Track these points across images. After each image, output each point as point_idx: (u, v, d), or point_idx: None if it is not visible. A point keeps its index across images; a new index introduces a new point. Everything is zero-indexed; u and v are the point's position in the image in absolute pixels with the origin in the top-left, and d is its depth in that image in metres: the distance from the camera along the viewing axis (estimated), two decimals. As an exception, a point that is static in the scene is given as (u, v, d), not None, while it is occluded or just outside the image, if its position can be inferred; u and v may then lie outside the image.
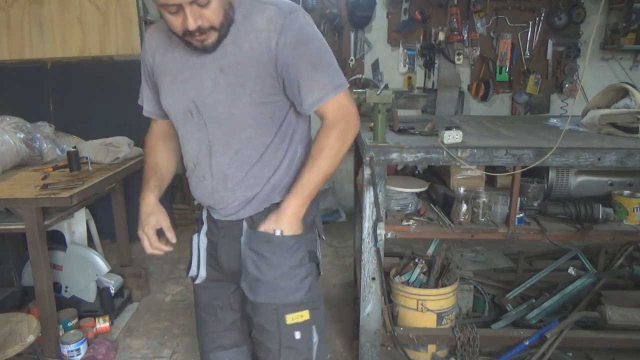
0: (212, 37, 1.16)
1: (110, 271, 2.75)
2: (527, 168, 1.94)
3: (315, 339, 1.35)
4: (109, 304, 2.70)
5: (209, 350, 1.50)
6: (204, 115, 1.26)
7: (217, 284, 1.44)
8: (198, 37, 1.14)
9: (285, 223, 1.27)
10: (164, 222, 1.35)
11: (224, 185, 1.29)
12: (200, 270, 1.43)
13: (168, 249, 1.37)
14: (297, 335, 1.31)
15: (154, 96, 1.40)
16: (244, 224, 1.33)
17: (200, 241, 1.43)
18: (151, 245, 1.35)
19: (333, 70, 1.23)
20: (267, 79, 1.21)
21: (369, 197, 1.98)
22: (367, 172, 1.97)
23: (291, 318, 1.30)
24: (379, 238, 2.01)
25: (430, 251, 2.57)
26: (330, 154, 1.25)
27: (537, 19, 4.09)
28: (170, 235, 1.36)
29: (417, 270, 2.34)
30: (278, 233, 1.27)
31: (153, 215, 1.35)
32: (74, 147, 2.68)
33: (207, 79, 1.23)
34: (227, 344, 1.49)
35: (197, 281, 1.45)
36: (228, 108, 1.23)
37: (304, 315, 1.31)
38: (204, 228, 1.43)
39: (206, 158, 1.29)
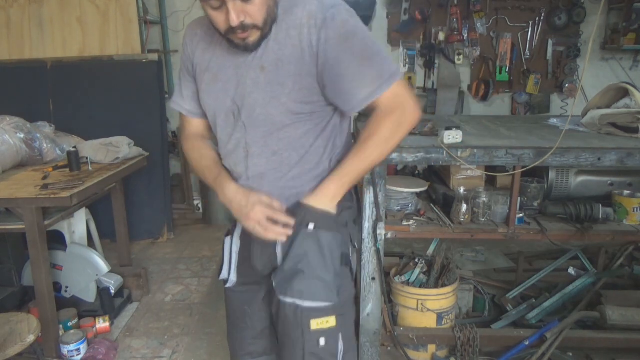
0: (254, 36, 1.13)
1: (110, 271, 2.75)
2: (527, 168, 1.94)
3: (341, 346, 1.28)
4: (109, 304, 2.70)
5: (239, 356, 1.48)
6: (243, 116, 1.22)
7: (248, 289, 1.40)
8: (240, 34, 1.11)
9: (318, 203, 1.22)
10: (267, 199, 1.23)
11: (259, 183, 1.26)
12: (231, 274, 1.39)
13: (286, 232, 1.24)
14: (322, 342, 1.24)
15: (194, 94, 1.35)
16: None
17: (234, 243, 1.39)
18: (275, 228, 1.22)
19: (383, 60, 1.16)
20: (307, 79, 1.16)
21: (369, 197, 1.98)
22: (367, 172, 1.97)
23: (316, 323, 1.23)
24: (379, 238, 2.01)
25: (430, 251, 2.56)
26: (380, 143, 1.18)
27: (537, 19, 4.09)
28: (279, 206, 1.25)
29: (417, 270, 2.34)
30: (311, 227, 1.22)
31: (253, 194, 1.23)
32: (74, 147, 2.67)
33: (248, 78, 1.19)
34: (257, 351, 1.46)
35: (228, 285, 1.41)
36: (266, 108, 1.19)
37: (329, 321, 1.24)
38: (238, 231, 1.38)
39: (243, 161, 1.26)
